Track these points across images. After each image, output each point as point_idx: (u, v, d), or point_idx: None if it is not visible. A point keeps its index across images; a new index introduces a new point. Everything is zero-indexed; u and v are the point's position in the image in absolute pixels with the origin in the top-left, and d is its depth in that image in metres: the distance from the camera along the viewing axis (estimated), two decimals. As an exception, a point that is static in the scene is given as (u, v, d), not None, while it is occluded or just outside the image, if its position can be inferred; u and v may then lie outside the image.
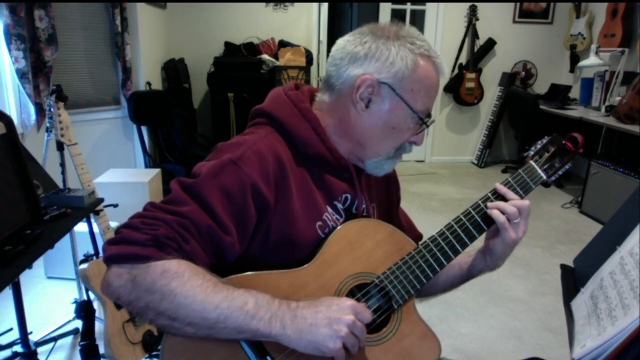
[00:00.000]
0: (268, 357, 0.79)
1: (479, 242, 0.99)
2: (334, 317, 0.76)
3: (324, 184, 0.93)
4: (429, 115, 0.91)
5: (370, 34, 0.89)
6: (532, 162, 1.01)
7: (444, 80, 5.39)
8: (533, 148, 1.04)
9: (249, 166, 0.81)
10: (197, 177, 0.80)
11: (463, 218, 0.95)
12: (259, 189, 0.81)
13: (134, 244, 0.73)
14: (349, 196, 0.96)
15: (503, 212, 0.92)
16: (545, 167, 1.02)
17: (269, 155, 0.84)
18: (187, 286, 0.72)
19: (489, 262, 1.00)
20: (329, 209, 0.93)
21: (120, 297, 0.74)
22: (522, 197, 0.98)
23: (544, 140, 1.05)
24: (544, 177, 1.01)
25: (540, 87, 5.48)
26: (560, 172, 1.04)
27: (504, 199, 0.96)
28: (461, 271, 1.05)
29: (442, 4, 5.23)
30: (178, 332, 0.75)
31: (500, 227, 0.93)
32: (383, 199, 1.09)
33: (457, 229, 0.94)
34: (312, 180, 0.91)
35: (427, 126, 0.91)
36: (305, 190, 0.89)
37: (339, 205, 0.95)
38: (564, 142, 1.04)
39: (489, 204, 0.95)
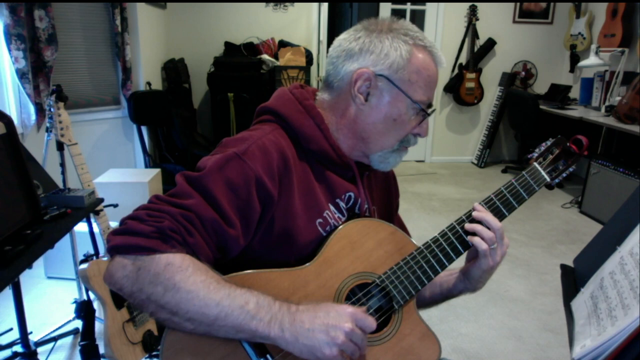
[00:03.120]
0: (267, 356, 0.79)
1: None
2: (332, 323, 0.75)
3: (327, 182, 0.93)
4: (429, 106, 0.92)
5: (363, 29, 0.90)
6: (535, 164, 1.01)
7: (444, 80, 5.41)
8: (537, 150, 1.04)
9: (254, 160, 0.81)
10: (202, 170, 0.81)
11: (465, 219, 0.95)
12: (263, 182, 0.81)
13: (138, 235, 0.73)
14: (352, 195, 0.96)
15: (482, 238, 0.92)
16: (549, 169, 1.02)
17: (274, 150, 0.85)
18: (190, 281, 0.72)
19: (468, 286, 1.01)
20: (331, 207, 0.93)
21: (123, 288, 0.74)
22: (525, 199, 0.98)
23: (549, 142, 1.04)
24: (548, 179, 1.01)
25: (540, 87, 5.48)
26: (564, 175, 1.03)
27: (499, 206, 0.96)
28: (441, 289, 1.05)
29: (442, 4, 5.23)
30: (177, 327, 0.75)
31: (482, 255, 0.93)
32: (383, 203, 1.09)
33: (459, 230, 0.94)
34: (314, 177, 0.91)
35: (429, 115, 0.91)
36: (307, 187, 0.90)
37: (342, 204, 0.95)
38: (568, 144, 1.04)
39: (467, 226, 0.93)
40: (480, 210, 0.94)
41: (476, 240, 0.92)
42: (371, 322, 0.79)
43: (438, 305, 1.09)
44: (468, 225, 0.93)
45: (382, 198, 1.09)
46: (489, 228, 0.92)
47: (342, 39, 0.92)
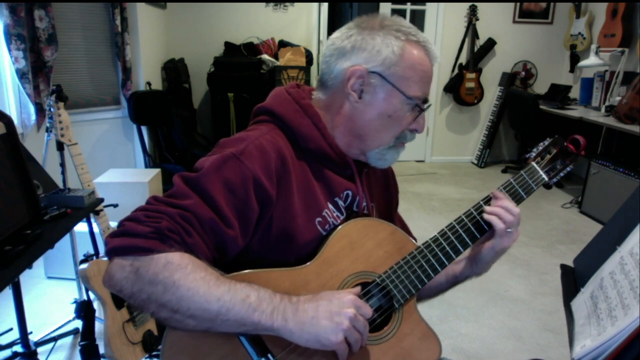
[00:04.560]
0: (269, 355, 0.79)
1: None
2: (335, 310, 0.76)
3: (325, 180, 0.93)
4: (425, 101, 0.91)
5: (355, 27, 0.90)
6: (533, 163, 1.01)
7: (444, 80, 5.41)
8: (535, 149, 1.04)
9: (251, 160, 0.81)
10: (200, 171, 0.81)
11: (465, 218, 0.95)
12: (261, 182, 0.81)
13: (137, 236, 0.73)
14: (350, 193, 0.96)
15: (501, 219, 0.93)
16: (547, 168, 1.02)
17: (271, 150, 0.85)
18: (190, 278, 0.72)
19: (475, 269, 1.01)
20: (330, 206, 0.93)
21: (123, 290, 0.74)
22: (523, 199, 0.98)
23: (546, 142, 1.05)
24: (546, 178, 1.01)
25: (540, 87, 5.48)
26: (561, 174, 1.04)
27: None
28: (447, 277, 1.05)
29: (442, 4, 5.23)
30: (179, 325, 0.75)
31: (499, 234, 0.94)
32: (382, 201, 1.09)
33: (459, 229, 0.94)
34: (313, 176, 0.91)
35: (424, 110, 0.91)
36: (306, 186, 0.90)
37: (340, 203, 0.95)
38: (565, 144, 1.04)
39: (486, 208, 0.95)
40: (500, 196, 0.96)
41: (494, 220, 0.93)
42: (368, 309, 0.80)
43: (443, 293, 1.09)
44: (488, 208, 0.94)
45: (382, 195, 1.09)
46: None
47: (335, 37, 0.92)
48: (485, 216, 0.94)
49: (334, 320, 0.75)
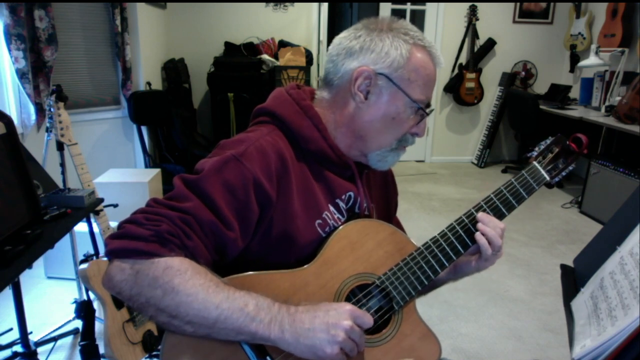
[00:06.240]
0: (267, 357, 0.79)
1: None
2: (332, 322, 0.76)
3: (326, 182, 0.93)
4: (428, 105, 0.92)
5: (364, 28, 0.90)
6: (535, 163, 1.01)
7: (444, 81, 5.41)
8: (537, 149, 1.04)
9: (252, 162, 0.81)
10: (200, 173, 0.80)
11: (465, 219, 0.95)
12: (261, 184, 0.81)
13: (137, 239, 0.73)
14: (352, 194, 0.96)
15: (489, 242, 0.93)
16: (549, 168, 1.02)
17: (272, 151, 0.84)
18: (190, 284, 0.72)
19: (452, 277, 1.03)
20: (331, 208, 0.93)
21: (122, 292, 0.74)
22: (525, 198, 0.98)
23: (548, 141, 1.04)
24: (547, 178, 1.01)
25: (540, 87, 5.48)
26: (563, 173, 1.03)
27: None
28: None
29: (442, 4, 5.23)
30: (177, 330, 0.75)
31: (485, 257, 0.94)
32: (382, 202, 1.10)
33: (459, 230, 0.94)
34: (313, 178, 0.91)
35: (427, 114, 0.92)
36: (306, 188, 0.90)
37: (342, 204, 0.95)
38: (568, 143, 1.04)
39: (479, 225, 0.94)
40: (484, 219, 0.94)
41: (483, 242, 0.92)
42: (369, 320, 0.79)
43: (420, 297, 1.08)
44: (481, 226, 0.93)
45: (381, 196, 1.09)
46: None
47: (343, 37, 0.92)
48: (477, 237, 0.93)
49: (330, 332, 0.75)
